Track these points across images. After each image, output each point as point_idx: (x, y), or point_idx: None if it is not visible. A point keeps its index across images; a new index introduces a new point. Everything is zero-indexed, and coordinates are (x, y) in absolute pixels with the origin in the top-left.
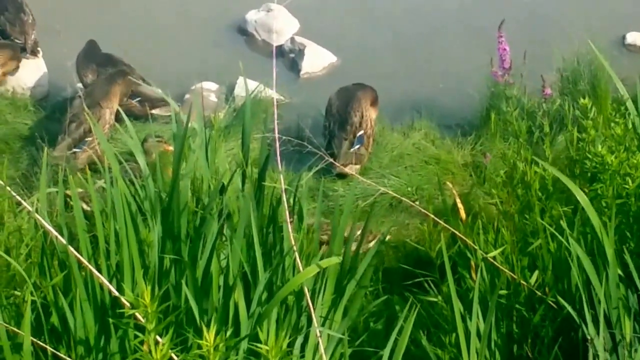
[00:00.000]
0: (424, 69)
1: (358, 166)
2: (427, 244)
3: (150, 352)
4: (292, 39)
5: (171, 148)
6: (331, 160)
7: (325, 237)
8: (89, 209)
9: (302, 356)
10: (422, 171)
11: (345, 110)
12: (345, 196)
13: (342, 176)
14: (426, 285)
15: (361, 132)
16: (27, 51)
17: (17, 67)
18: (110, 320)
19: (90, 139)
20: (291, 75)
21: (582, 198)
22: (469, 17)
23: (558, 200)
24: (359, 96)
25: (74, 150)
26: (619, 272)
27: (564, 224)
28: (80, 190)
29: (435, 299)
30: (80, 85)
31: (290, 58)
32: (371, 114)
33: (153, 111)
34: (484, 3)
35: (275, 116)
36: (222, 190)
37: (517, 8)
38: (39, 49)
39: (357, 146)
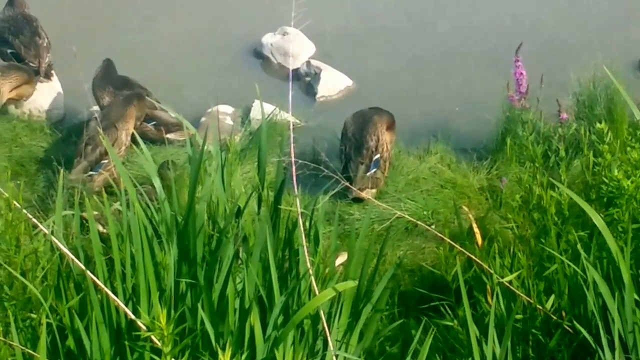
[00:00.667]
0: (440, 93)
1: (374, 190)
2: (443, 268)
3: None
4: (308, 63)
5: None
6: (347, 184)
7: None
8: (105, 231)
9: None
10: (438, 195)
11: (361, 134)
12: (361, 220)
13: (358, 200)
14: (442, 309)
15: (377, 156)
16: (41, 74)
17: (32, 92)
18: (126, 343)
19: (106, 161)
20: (307, 98)
21: (599, 222)
22: (485, 40)
23: (574, 224)
24: (375, 120)
25: (90, 173)
26: (636, 296)
27: (580, 248)
28: (96, 212)
29: (451, 323)
30: (96, 107)
31: (306, 81)
32: (387, 137)
33: (168, 135)
34: (501, 27)
35: (292, 139)
36: (238, 213)
37: (533, 32)
38: (52, 72)
39: (373, 170)
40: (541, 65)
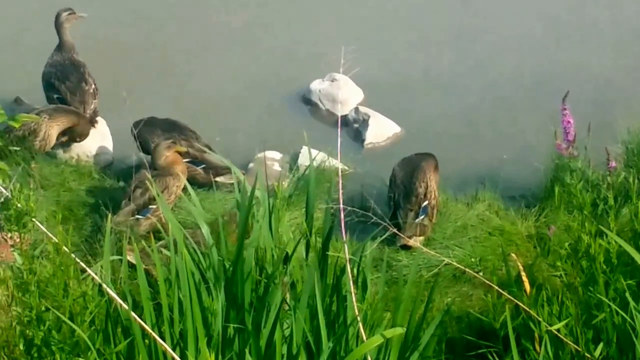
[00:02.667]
0: (487, 140)
1: (422, 237)
2: (491, 315)
3: None
4: (357, 109)
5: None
6: (395, 231)
7: None
8: (152, 274)
9: None
10: (486, 242)
11: (409, 181)
12: (408, 267)
13: (406, 247)
14: (490, 356)
15: (425, 203)
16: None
17: (88, 133)
18: None
19: (154, 207)
20: (355, 145)
21: None
22: (535, 87)
23: (623, 273)
24: (422, 166)
25: (137, 216)
26: None
27: (628, 296)
28: (143, 256)
29: None
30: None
31: (355, 128)
32: (434, 181)
33: (217, 179)
34: (549, 73)
35: (340, 186)
36: (286, 259)
37: (581, 79)
38: (97, 119)
39: (422, 217)
40: (590, 113)
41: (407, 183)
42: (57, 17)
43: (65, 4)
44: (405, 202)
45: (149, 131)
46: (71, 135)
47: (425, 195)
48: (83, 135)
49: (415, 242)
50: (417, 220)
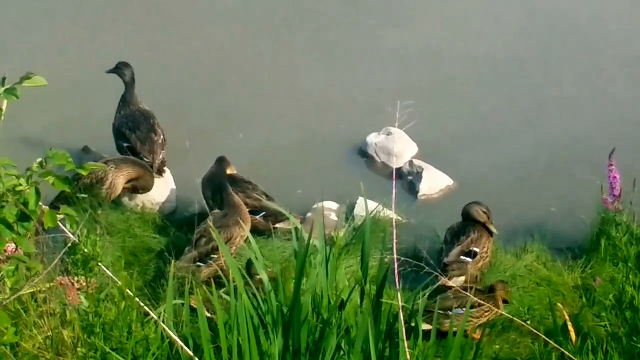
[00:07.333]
0: (536, 193)
1: (462, 278)
2: None
3: None
4: (411, 162)
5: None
6: (440, 273)
7: None
8: (212, 316)
9: None
10: (534, 292)
11: (464, 226)
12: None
13: (445, 288)
14: None
15: (476, 249)
16: (154, 170)
17: (152, 186)
18: None
19: (216, 256)
20: (409, 197)
21: None
22: (581, 143)
23: None
24: (481, 227)
25: (199, 264)
26: None
27: None
28: (204, 301)
29: None
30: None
31: (409, 180)
32: (488, 241)
33: (277, 225)
34: (597, 128)
35: (394, 236)
36: (342, 305)
37: (628, 134)
38: (165, 168)
39: (467, 259)
40: (636, 167)
41: (461, 227)
42: (128, 70)
43: (132, 58)
44: (453, 239)
45: (205, 188)
46: (135, 187)
47: (477, 242)
48: (146, 189)
49: (455, 282)
50: (461, 257)
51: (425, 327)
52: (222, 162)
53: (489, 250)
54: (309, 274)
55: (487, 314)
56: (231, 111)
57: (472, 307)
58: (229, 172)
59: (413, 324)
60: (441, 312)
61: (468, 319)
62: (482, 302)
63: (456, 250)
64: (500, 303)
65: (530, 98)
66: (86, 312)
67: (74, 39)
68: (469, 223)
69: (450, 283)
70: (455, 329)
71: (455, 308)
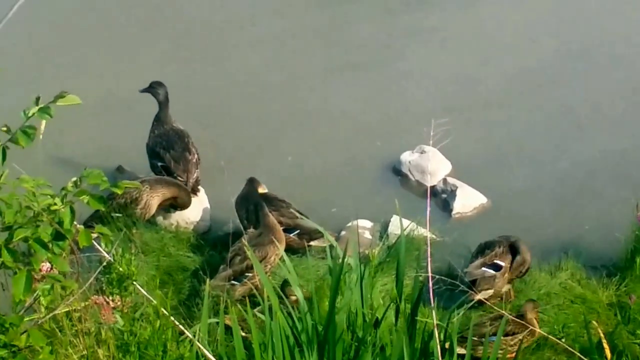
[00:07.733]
0: (571, 210)
1: (491, 291)
2: None
3: None
4: (445, 180)
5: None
6: (473, 290)
7: None
8: (246, 335)
9: None
10: (568, 310)
11: (491, 242)
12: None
13: (478, 304)
14: None
15: (501, 263)
16: (188, 189)
17: (189, 204)
18: None
19: (250, 274)
20: (443, 214)
21: None
22: (615, 162)
23: None
24: (513, 241)
25: (233, 282)
26: None
27: None
28: (239, 320)
29: None
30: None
31: (443, 198)
32: (521, 255)
33: (312, 242)
34: (633, 147)
35: (429, 254)
36: (377, 323)
37: None
38: (199, 187)
39: (491, 271)
40: None
41: (489, 243)
42: (162, 89)
43: (166, 79)
44: (478, 253)
45: (238, 207)
46: (173, 205)
47: (501, 256)
48: (185, 205)
49: (484, 295)
50: (483, 269)
51: (459, 350)
52: (252, 182)
53: (517, 264)
54: (344, 292)
55: (522, 341)
56: (265, 131)
57: (506, 335)
58: (260, 191)
59: (447, 344)
60: (475, 338)
61: (502, 346)
62: (516, 330)
63: (478, 261)
64: (536, 323)
65: (565, 117)
66: (121, 331)
67: (109, 60)
68: (499, 240)
69: (479, 296)
70: (488, 354)
71: (490, 336)
